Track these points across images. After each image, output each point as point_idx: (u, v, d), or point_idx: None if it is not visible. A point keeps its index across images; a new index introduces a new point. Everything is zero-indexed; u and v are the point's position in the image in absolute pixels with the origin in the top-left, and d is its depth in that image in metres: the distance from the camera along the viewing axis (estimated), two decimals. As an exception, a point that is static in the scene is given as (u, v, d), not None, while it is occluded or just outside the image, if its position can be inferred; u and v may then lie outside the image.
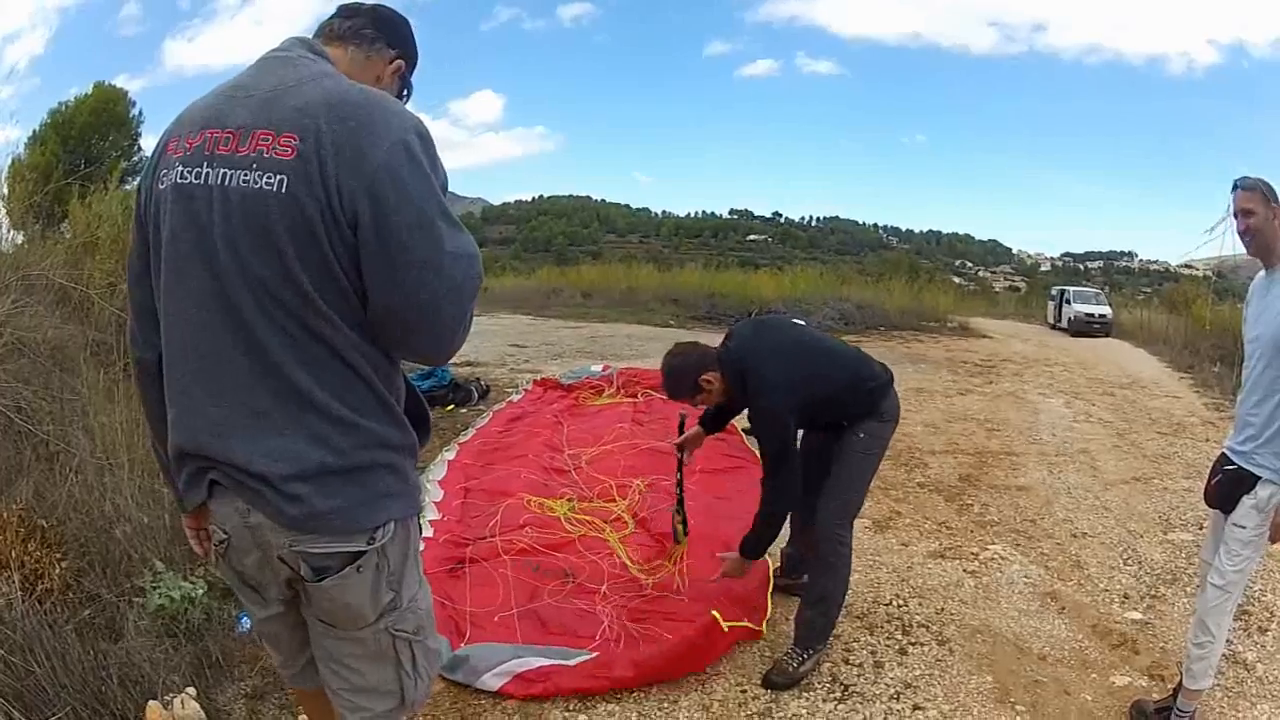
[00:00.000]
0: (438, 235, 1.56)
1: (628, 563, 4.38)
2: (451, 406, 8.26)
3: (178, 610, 3.30)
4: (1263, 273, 3.07)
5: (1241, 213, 2.92)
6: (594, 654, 3.47)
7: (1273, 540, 3.07)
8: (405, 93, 1.93)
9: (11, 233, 7.11)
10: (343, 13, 1.84)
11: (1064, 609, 4.25)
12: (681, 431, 4.26)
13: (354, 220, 1.53)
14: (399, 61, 1.86)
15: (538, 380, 9.13)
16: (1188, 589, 4.44)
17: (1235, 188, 2.94)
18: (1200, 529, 4.84)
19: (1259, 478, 3.00)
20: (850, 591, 3.63)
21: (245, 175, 1.54)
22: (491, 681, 3.29)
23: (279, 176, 1.52)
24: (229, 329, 1.58)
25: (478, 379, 9.21)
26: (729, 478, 5.87)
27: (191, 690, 2.86)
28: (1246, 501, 3.03)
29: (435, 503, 5.16)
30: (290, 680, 2.11)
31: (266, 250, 1.54)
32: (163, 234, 1.63)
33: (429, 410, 1.94)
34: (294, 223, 1.52)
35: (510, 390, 8.98)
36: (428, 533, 4.61)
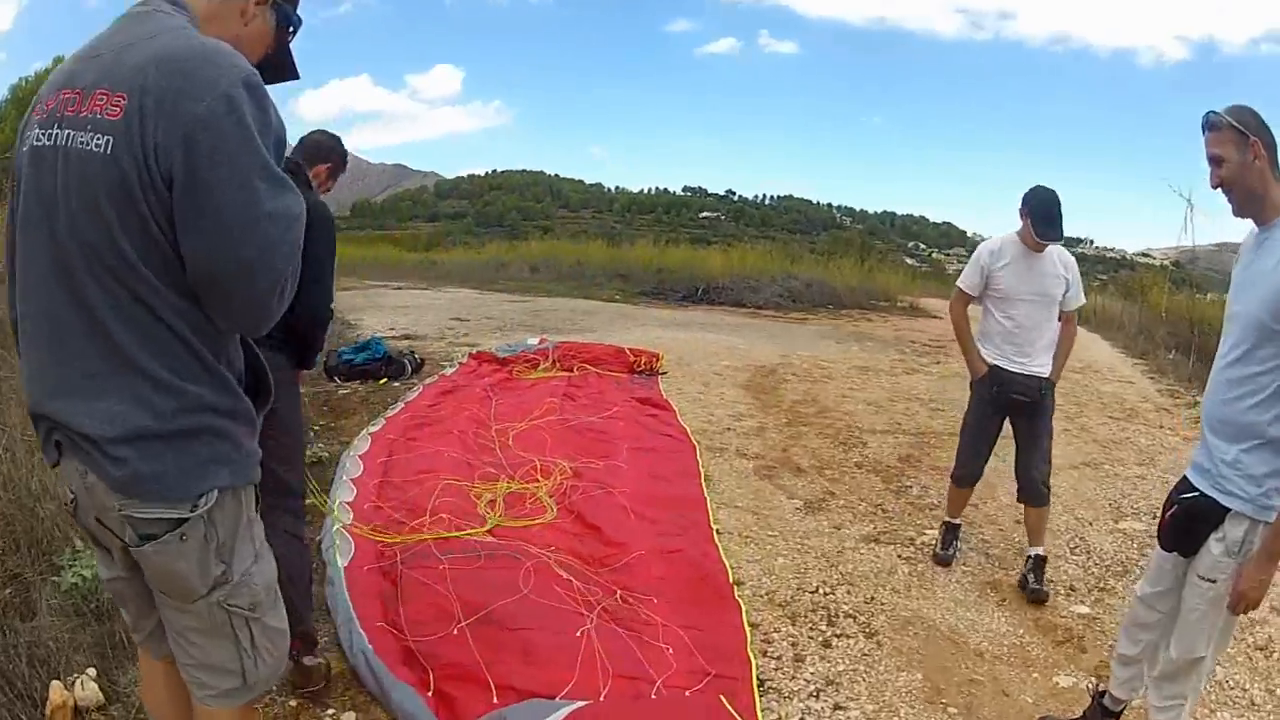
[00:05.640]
0: (255, 194, 1.53)
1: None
2: (384, 380, 8.04)
3: (89, 589, 3.25)
4: (1253, 229, 2.38)
5: (1211, 160, 2.30)
6: (586, 701, 2.87)
7: (1234, 608, 2.33)
8: (290, 27, 1.87)
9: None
10: None
11: (1004, 600, 4.10)
12: None
13: (169, 178, 1.51)
14: None
15: (474, 354, 8.89)
16: (1139, 582, 4.25)
17: (1204, 127, 2.31)
18: (1154, 518, 4.13)
19: (1228, 510, 2.29)
20: (773, 578, 3.29)
21: (81, 137, 1.54)
22: None
23: (105, 138, 1.52)
24: (64, 291, 1.60)
25: (412, 352, 8.93)
26: (662, 459, 5.67)
27: (91, 671, 2.84)
28: (1214, 545, 2.32)
29: (352, 479, 4.86)
30: (140, 645, 2.09)
31: (93, 213, 1.54)
32: (19, 198, 1.66)
33: (270, 376, 1.89)
34: (113, 185, 1.52)
35: (445, 364, 8.74)
36: (347, 518, 4.24)
